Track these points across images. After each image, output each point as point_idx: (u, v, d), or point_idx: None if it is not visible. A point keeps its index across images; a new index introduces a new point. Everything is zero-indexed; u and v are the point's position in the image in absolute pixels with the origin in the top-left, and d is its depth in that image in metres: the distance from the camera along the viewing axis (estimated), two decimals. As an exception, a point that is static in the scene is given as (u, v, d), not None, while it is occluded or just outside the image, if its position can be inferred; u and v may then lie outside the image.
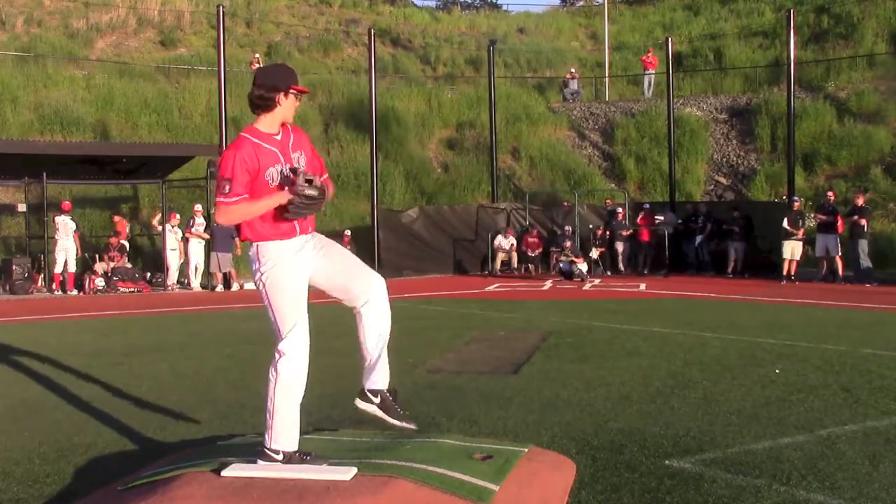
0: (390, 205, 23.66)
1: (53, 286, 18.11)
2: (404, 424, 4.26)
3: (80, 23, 30.18)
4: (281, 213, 3.94)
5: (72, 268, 18.29)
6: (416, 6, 42.18)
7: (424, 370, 7.90)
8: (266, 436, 3.97)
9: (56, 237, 18.20)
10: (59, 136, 22.91)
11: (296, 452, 3.98)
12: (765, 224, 19.39)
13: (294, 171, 3.93)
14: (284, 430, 3.95)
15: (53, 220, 18.37)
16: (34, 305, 15.87)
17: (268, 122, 4.02)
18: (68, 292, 17.95)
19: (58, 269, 18.25)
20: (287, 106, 4.01)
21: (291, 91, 4.00)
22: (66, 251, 18.24)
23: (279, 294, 3.95)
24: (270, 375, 3.94)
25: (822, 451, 4.80)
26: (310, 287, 4.11)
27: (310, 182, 3.88)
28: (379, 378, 4.19)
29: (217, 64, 20.24)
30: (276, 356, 3.94)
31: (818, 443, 5.00)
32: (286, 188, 3.91)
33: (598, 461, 4.65)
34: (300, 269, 4.02)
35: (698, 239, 20.45)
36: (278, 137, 4.02)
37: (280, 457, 3.94)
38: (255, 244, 4.01)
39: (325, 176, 4.10)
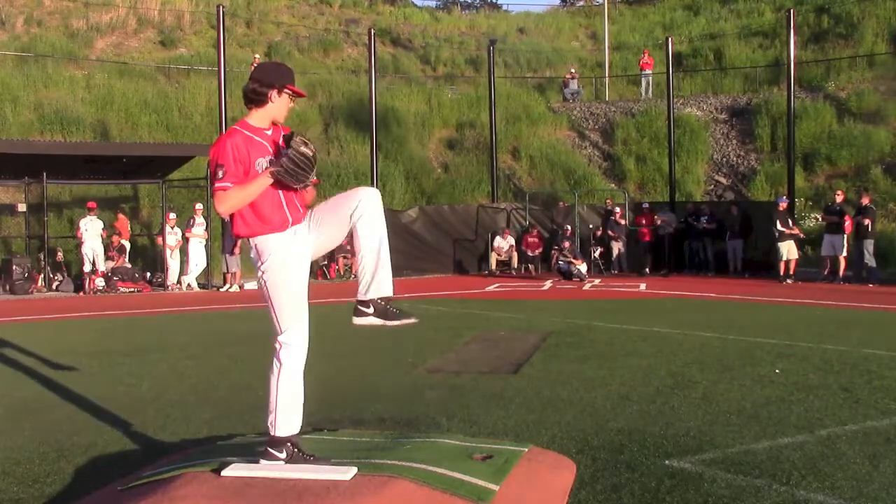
0: (390, 205, 23.63)
1: (88, 286, 18.08)
2: (405, 321, 4.03)
3: (80, 23, 30.16)
4: (277, 185, 3.84)
5: (101, 266, 18.48)
6: (416, 6, 42.19)
7: (424, 370, 7.90)
8: (270, 428, 3.95)
9: (82, 239, 18.42)
10: (59, 136, 22.91)
11: (298, 450, 3.95)
12: (765, 224, 19.35)
13: (289, 136, 3.85)
14: (286, 418, 3.93)
15: (78, 223, 18.70)
16: (34, 305, 15.87)
17: (258, 118, 3.98)
18: (96, 292, 17.95)
19: (86, 268, 18.39)
20: (279, 105, 3.96)
21: (286, 90, 3.95)
22: (93, 250, 18.45)
23: (280, 289, 3.92)
24: (274, 367, 3.92)
25: (822, 451, 4.80)
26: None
27: (305, 143, 3.80)
28: (382, 286, 3.96)
29: (217, 64, 20.24)
30: (277, 347, 3.93)
31: (818, 443, 5.00)
32: (279, 157, 3.82)
33: (598, 461, 4.65)
34: (299, 261, 3.97)
35: (703, 221, 20.29)
36: (269, 133, 3.98)
37: (283, 455, 3.92)
38: (252, 241, 3.97)
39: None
